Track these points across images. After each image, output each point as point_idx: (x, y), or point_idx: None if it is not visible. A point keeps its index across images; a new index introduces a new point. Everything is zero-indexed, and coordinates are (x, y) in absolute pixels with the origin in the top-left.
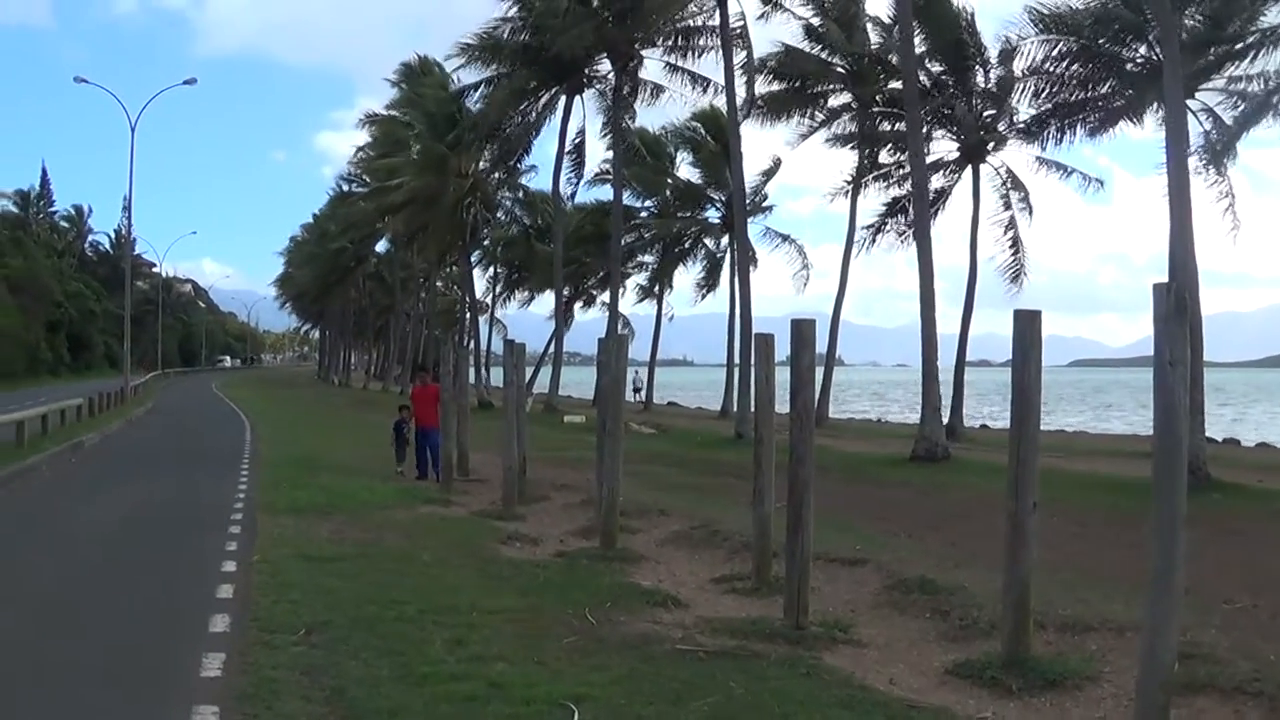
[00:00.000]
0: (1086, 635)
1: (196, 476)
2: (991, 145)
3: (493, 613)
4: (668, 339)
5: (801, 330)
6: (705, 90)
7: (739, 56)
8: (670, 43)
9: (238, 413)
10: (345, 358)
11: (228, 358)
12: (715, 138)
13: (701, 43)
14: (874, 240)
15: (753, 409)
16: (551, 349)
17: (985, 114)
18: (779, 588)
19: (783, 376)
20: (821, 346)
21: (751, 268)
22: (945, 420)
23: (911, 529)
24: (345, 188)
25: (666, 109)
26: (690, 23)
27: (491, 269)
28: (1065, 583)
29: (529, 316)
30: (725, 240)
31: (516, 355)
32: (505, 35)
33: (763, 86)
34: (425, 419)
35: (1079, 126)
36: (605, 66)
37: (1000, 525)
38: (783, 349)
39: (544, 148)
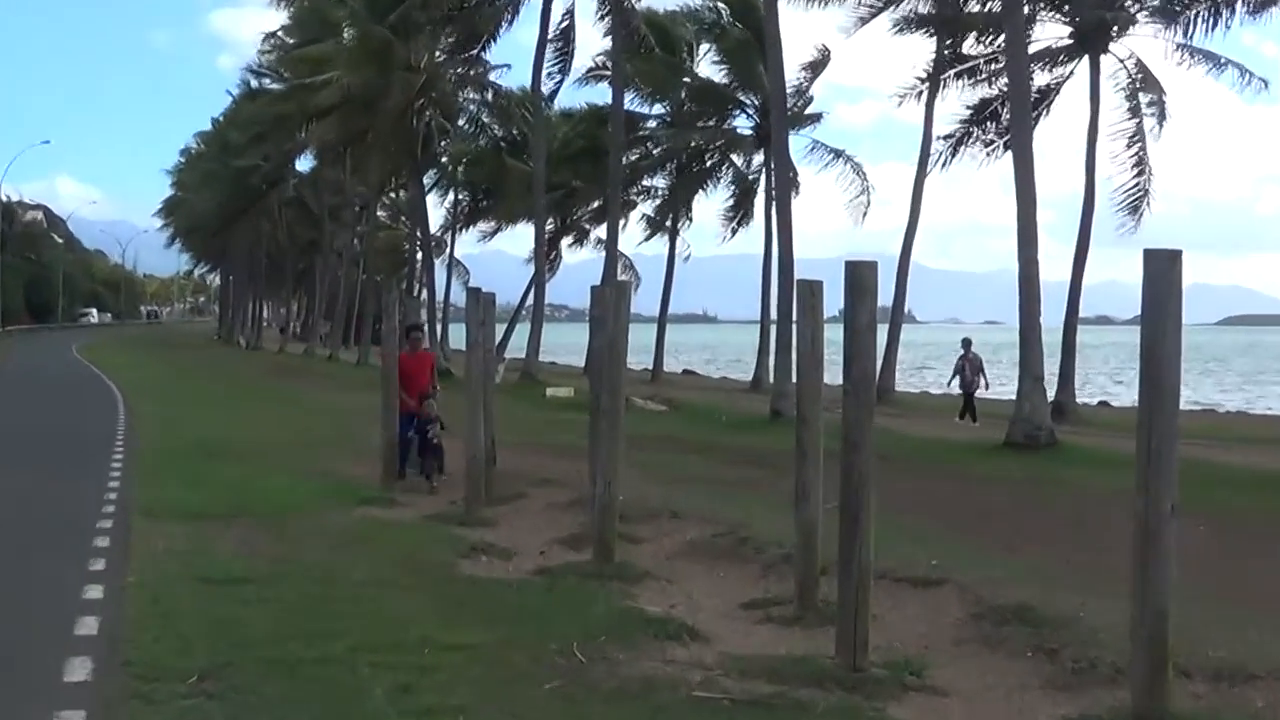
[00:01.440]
0: (1248, 686)
1: (48, 471)
2: (1116, 29)
3: (451, 649)
4: (683, 288)
5: (859, 275)
6: None
7: None
8: None
9: (108, 385)
10: (256, 312)
11: (94, 311)
12: (745, 21)
13: None
14: (955, 157)
15: (794, 379)
16: (530, 301)
17: None
18: (829, 615)
19: (834, 336)
20: (885, 297)
21: (793, 194)
22: (1051, 395)
23: (1006, 539)
24: (254, 84)
25: None
26: None
27: (451, 195)
28: (1217, 613)
29: (500, 258)
30: (759, 158)
31: (484, 309)
32: None
33: None
34: (409, 400)
35: (1237, 2)
36: None
37: (1126, 536)
38: (834, 300)
39: (520, 33)
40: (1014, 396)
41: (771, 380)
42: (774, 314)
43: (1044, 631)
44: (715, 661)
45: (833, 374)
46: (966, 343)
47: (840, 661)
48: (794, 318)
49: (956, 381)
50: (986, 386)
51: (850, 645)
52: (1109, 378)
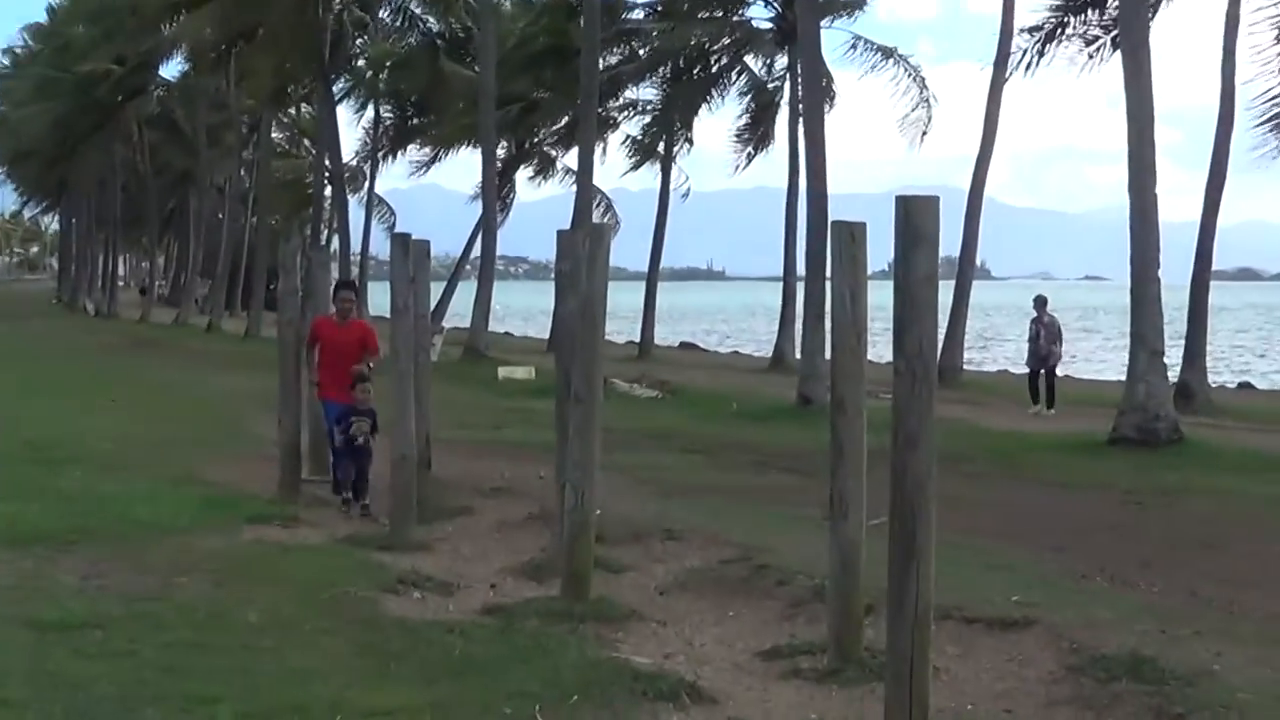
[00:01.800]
0: None
1: None
2: None
3: (372, 717)
4: (681, 234)
5: (915, 216)
6: None
7: None
8: None
9: None
10: (108, 267)
11: None
12: None
13: None
14: (1044, 58)
15: (828, 354)
16: (476, 251)
17: None
18: (875, 669)
19: (880, 298)
20: (951, 245)
21: (827, 108)
22: (1173, 375)
23: (1113, 566)
24: None
25: None
26: None
27: (370, 111)
28: None
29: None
30: (781, 60)
31: (414, 261)
32: None
33: None
34: (335, 386)
35: None
36: None
37: (1276, 563)
38: (882, 250)
39: None
40: (1121, 377)
41: (798, 356)
42: (801, 268)
43: (1165, 690)
44: None
45: (880, 348)
46: (1040, 302)
47: None
48: (829, 273)
49: (1026, 351)
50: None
51: (904, 708)
52: (1252, 351)
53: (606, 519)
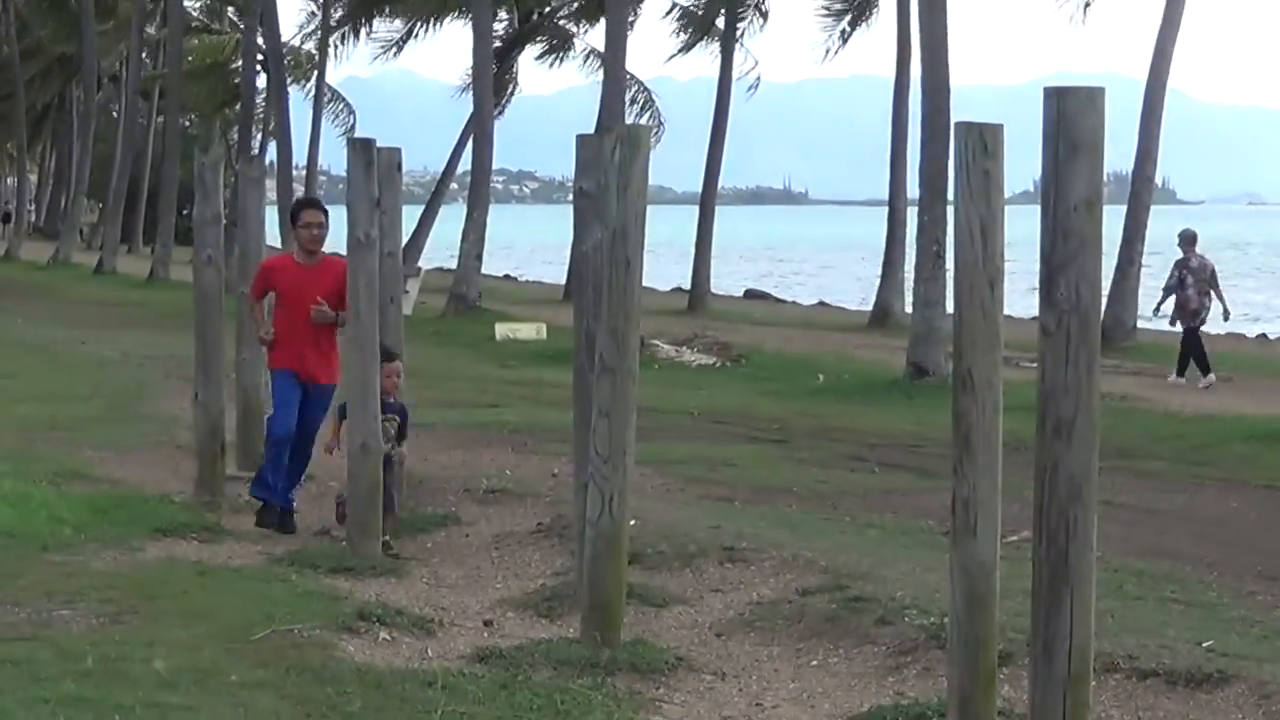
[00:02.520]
0: None
1: None
2: None
3: None
4: (747, 141)
5: (1071, 115)
6: None
7: None
8: None
9: None
10: None
11: None
12: None
13: None
14: None
15: (949, 308)
16: (465, 163)
17: None
18: None
19: (1022, 229)
20: (1121, 158)
21: None
22: None
23: None
24: None
25: None
26: None
27: None
28: None
29: (410, 85)
30: None
31: (381, 178)
32: None
33: None
34: (296, 352)
35: None
36: None
37: None
38: (1025, 164)
39: None
40: None
41: (909, 310)
42: (913, 189)
43: None
44: None
45: (1021, 299)
46: (1188, 238)
47: None
48: (953, 197)
49: (1170, 304)
50: (1226, 316)
51: None
52: None
53: (644, 532)
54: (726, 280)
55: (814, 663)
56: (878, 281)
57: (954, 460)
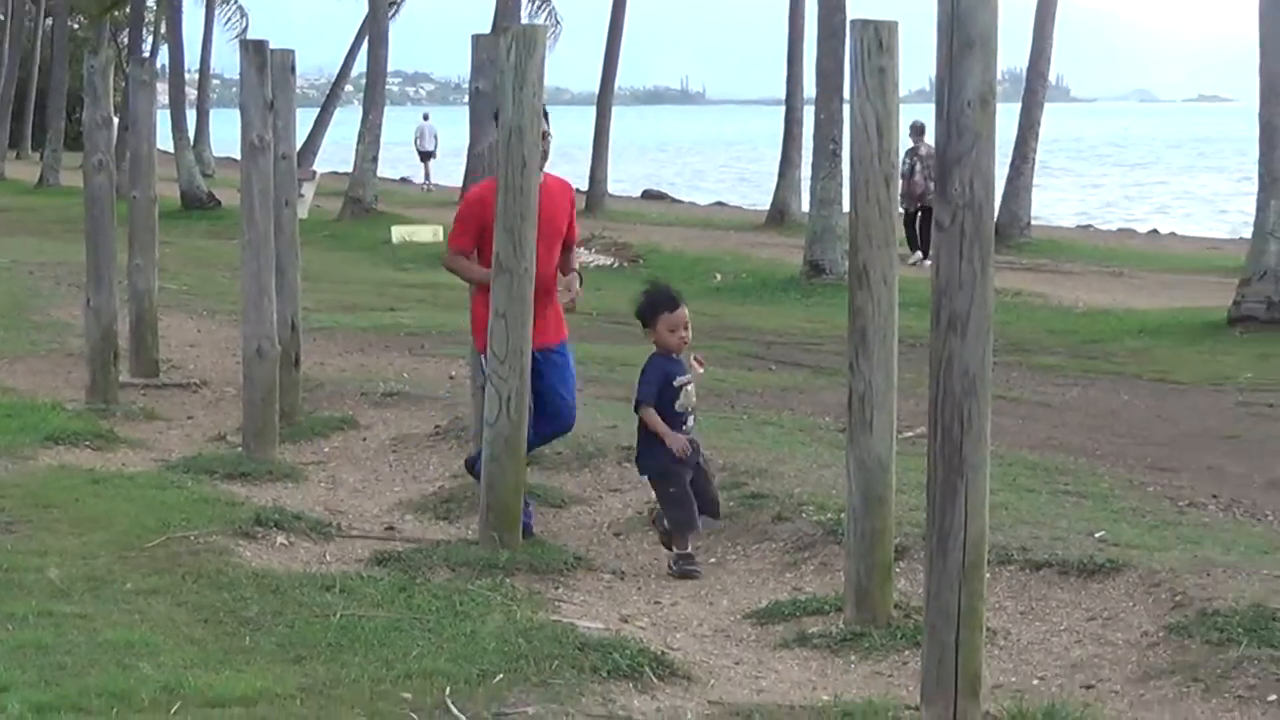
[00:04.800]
0: None
1: None
2: None
3: (221, 706)
4: (645, 39)
5: (966, 12)
6: None
7: None
8: None
9: None
10: None
11: None
12: None
13: None
14: None
15: (846, 207)
16: (360, 65)
17: None
18: (910, 632)
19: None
20: (1014, 58)
21: None
22: None
23: (1230, 489)
24: None
25: None
26: None
27: None
28: None
29: None
30: None
31: (275, 80)
32: None
33: None
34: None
35: None
36: None
37: None
38: (921, 62)
39: None
40: (1241, 235)
41: (805, 209)
42: (810, 88)
43: None
44: (704, 718)
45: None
46: (917, 129)
47: (930, 716)
48: (850, 94)
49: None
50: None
51: (948, 684)
52: None
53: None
54: (624, 181)
55: (712, 560)
56: (774, 181)
57: (850, 357)
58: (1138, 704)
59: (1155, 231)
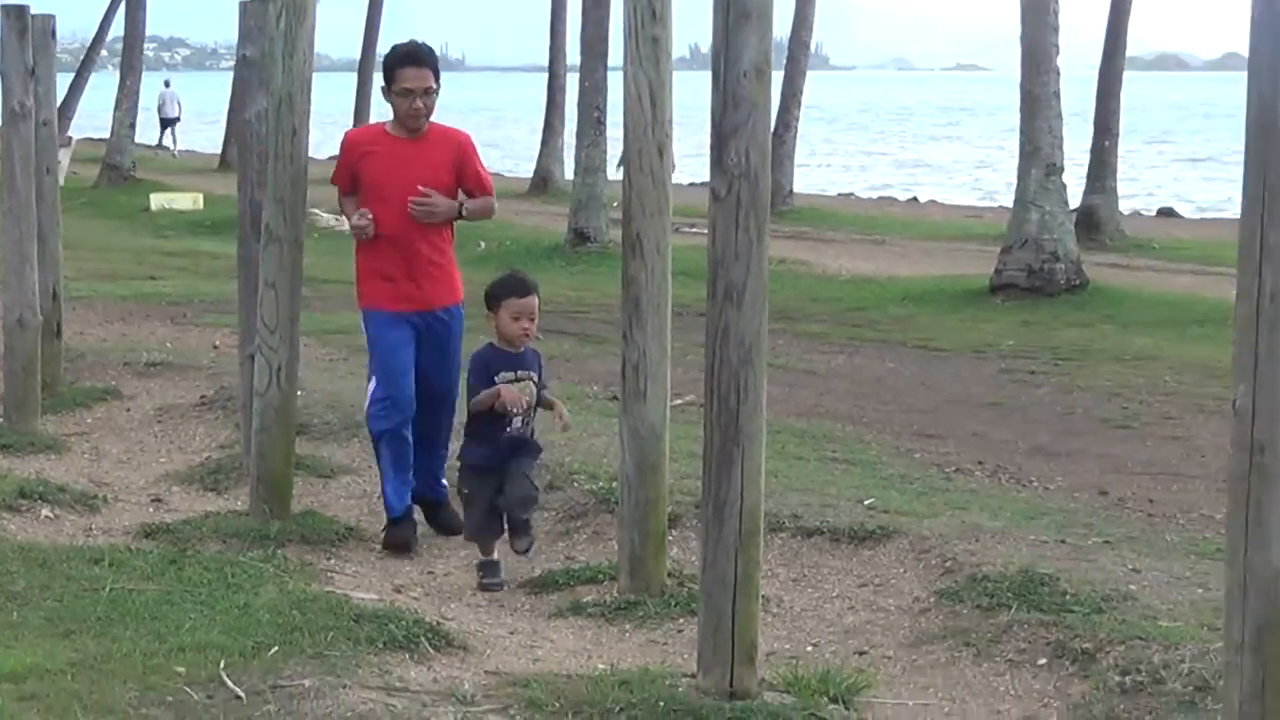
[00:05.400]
0: None
1: None
2: None
3: None
4: (403, 7)
5: None
6: None
7: None
8: None
9: None
10: None
11: None
12: None
13: None
14: None
15: (612, 174)
16: (116, 30)
17: None
18: (684, 600)
19: (693, 98)
20: (775, 25)
21: None
22: (1074, 201)
23: (995, 455)
24: None
25: None
26: None
27: None
28: None
29: None
30: None
31: (35, 45)
32: None
33: None
34: (402, 271)
35: None
36: None
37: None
38: (693, 26)
39: None
40: (996, 203)
41: (571, 176)
42: (573, 54)
43: (1067, 620)
44: (480, 688)
45: (693, 164)
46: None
47: (708, 684)
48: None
49: None
50: None
51: (724, 651)
52: (1184, 163)
53: (310, 403)
54: None
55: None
56: (537, 149)
57: (624, 326)
58: (910, 669)
59: (915, 199)
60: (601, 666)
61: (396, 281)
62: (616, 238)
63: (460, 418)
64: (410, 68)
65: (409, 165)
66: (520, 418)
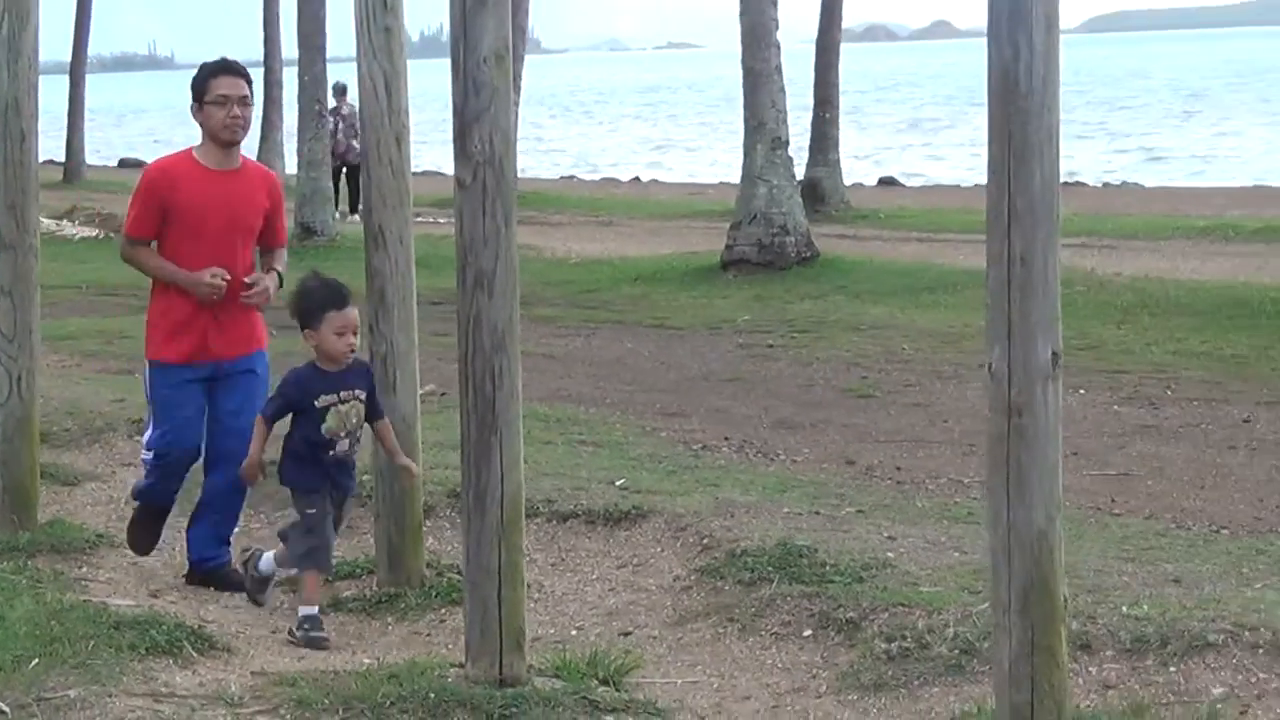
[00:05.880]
0: None
1: None
2: None
3: None
4: (108, 6)
5: None
6: None
7: None
8: None
9: None
10: None
11: None
12: None
13: None
14: None
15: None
16: None
17: None
18: (445, 590)
19: (432, 83)
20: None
21: None
22: (799, 173)
23: (741, 430)
24: None
25: None
26: None
27: None
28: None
29: None
30: None
31: None
32: None
33: None
34: (218, 321)
35: None
36: None
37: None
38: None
39: None
40: (721, 179)
41: (293, 170)
42: (289, 48)
43: (829, 590)
44: (248, 689)
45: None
46: (339, 90)
47: (476, 673)
48: (346, 53)
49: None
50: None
51: (492, 638)
52: (902, 131)
53: (49, 410)
54: (101, 150)
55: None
56: (257, 144)
57: (369, 318)
58: (677, 647)
59: (638, 179)
60: (368, 661)
61: (200, 331)
62: (344, 230)
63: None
64: (225, 76)
65: (227, 201)
66: (346, 440)
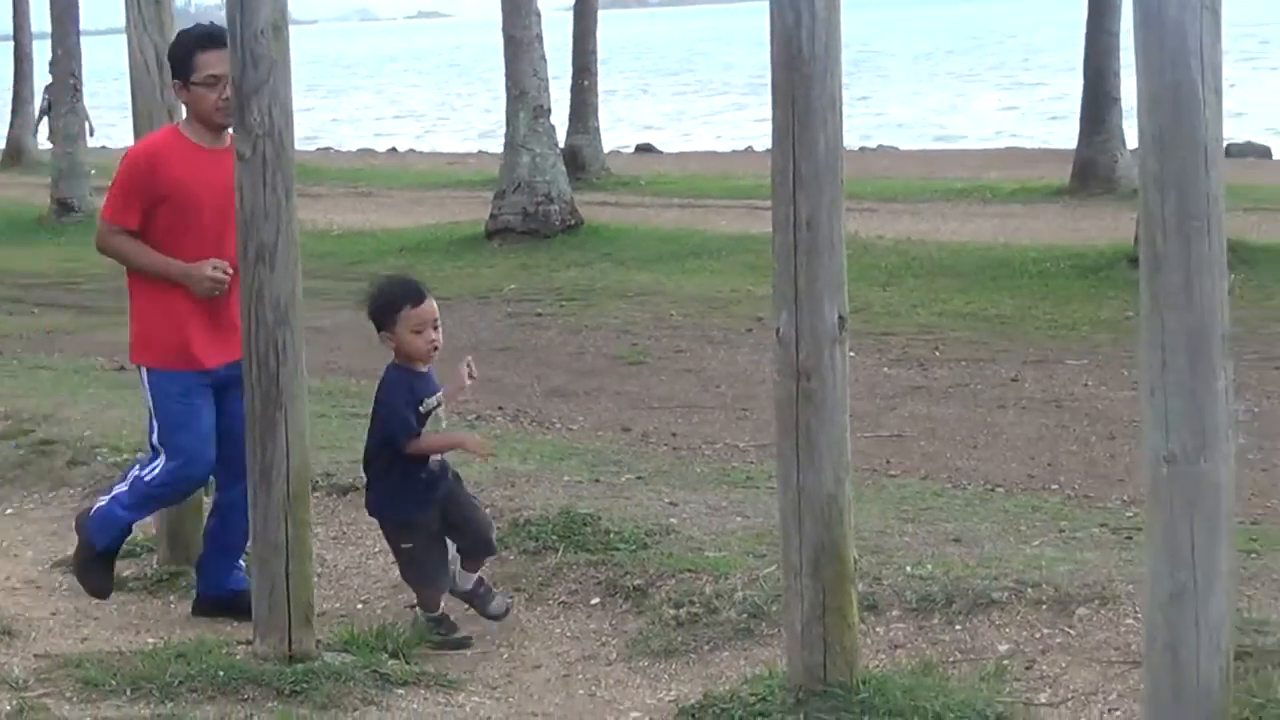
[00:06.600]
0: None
1: None
2: None
3: None
4: None
5: None
6: None
7: None
8: None
9: None
10: None
11: None
12: None
13: None
14: None
15: (91, 145)
16: None
17: None
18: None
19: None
20: None
21: None
22: (561, 139)
23: (515, 399)
24: None
25: None
26: None
27: None
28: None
29: None
30: None
31: None
32: None
33: None
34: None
35: None
36: None
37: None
38: None
39: None
40: (480, 148)
41: (46, 146)
42: (41, 21)
43: (615, 557)
44: (32, 672)
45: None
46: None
47: (265, 649)
48: (82, 25)
49: (45, 126)
50: (92, 132)
51: (280, 615)
52: (654, 96)
53: None
54: None
55: (9, 511)
56: (7, 119)
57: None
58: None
59: (395, 150)
60: (153, 641)
61: (203, 330)
62: (101, 206)
63: None
64: (214, 50)
65: (223, 181)
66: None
